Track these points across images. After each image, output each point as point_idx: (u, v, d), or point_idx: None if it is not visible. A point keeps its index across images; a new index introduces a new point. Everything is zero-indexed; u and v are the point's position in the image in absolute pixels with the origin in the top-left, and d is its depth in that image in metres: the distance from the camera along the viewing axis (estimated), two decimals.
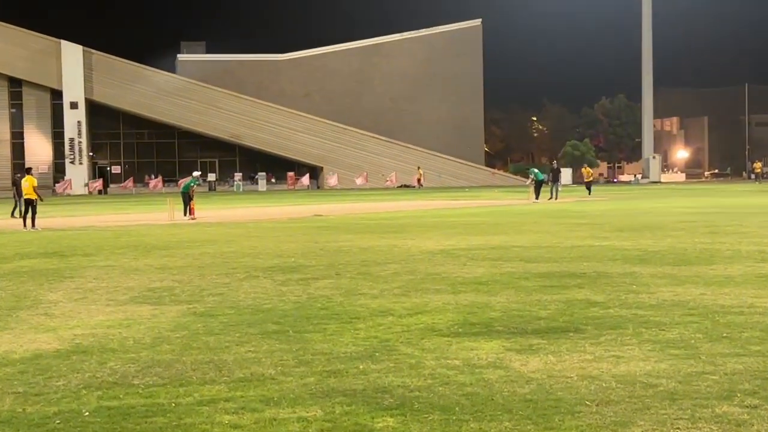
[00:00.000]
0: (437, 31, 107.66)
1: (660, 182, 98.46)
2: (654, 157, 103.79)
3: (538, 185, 46.35)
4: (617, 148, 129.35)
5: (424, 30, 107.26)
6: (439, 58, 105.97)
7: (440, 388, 7.04)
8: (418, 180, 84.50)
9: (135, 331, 9.74)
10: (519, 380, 7.25)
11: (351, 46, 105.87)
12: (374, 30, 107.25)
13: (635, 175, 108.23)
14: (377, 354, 8.33)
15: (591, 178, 48.77)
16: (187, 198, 32.96)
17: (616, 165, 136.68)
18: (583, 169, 50.88)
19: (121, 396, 6.99)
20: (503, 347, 8.54)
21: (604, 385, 7.07)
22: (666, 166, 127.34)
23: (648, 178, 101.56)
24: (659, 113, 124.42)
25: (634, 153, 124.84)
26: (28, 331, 9.86)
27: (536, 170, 47.97)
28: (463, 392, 6.92)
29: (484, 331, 9.41)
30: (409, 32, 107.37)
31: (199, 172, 41.53)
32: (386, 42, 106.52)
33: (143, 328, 9.92)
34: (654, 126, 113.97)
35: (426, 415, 6.31)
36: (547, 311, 10.52)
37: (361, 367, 7.81)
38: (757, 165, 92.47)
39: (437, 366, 7.80)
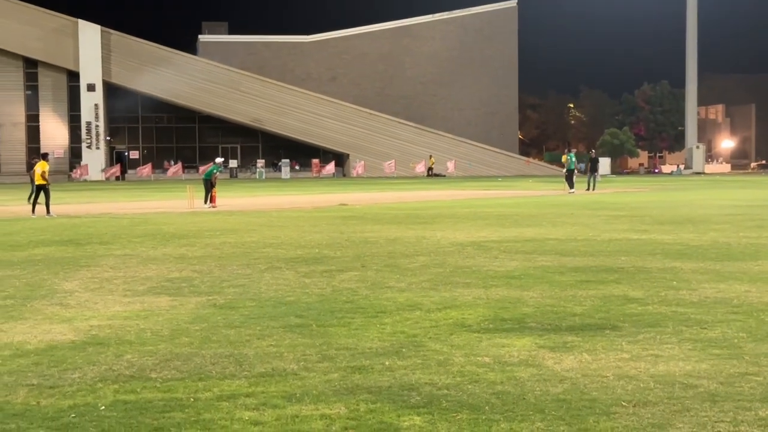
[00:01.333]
0: (471, 12, 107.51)
1: (703, 173, 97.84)
2: (697, 147, 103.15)
3: (570, 174, 45.45)
4: (659, 137, 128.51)
5: (457, 11, 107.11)
6: (473, 41, 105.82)
7: (469, 386, 7.06)
8: (430, 168, 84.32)
9: (153, 323, 9.82)
10: (552, 379, 7.25)
11: (380, 28, 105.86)
12: (405, 11, 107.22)
13: (677, 166, 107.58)
14: (404, 350, 8.35)
15: (574, 168, 46.26)
16: (209, 185, 33.12)
17: (658, 155, 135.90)
18: (564, 158, 48.80)
19: (138, 390, 7.06)
20: (536, 344, 8.54)
21: (641, 385, 7.06)
22: (710, 157, 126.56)
23: (691, 168, 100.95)
24: (704, 100, 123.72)
25: (676, 142, 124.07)
26: (42, 322, 9.97)
27: (572, 155, 46.56)
28: (493, 391, 6.93)
29: (515, 327, 9.41)
30: (441, 13, 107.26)
31: (222, 159, 41.63)
32: (417, 23, 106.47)
33: (161, 320, 10.00)
34: (698, 114, 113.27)
35: (454, 414, 6.33)
36: (583, 307, 10.50)
37: (387, 363, 7.84)
38: None
39: (466, 363, 7.82)
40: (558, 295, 11.38)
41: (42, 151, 57.38)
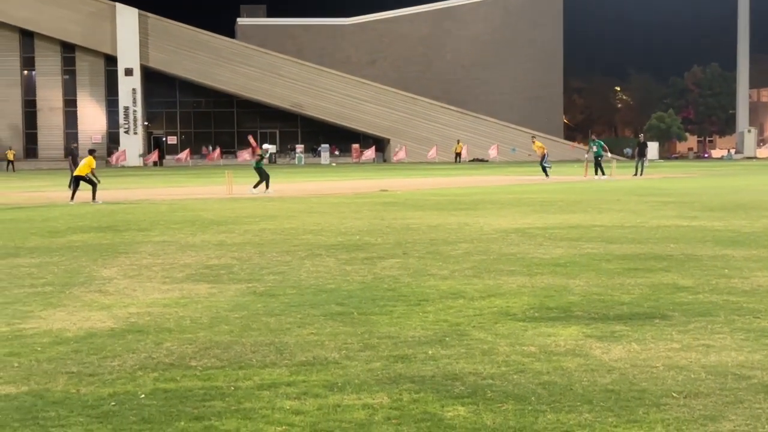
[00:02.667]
0: None
1: (756, 158, 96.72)
2: (749, 131, 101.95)
3: (596, 160, 44.62)
4: (708, 121, 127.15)
5: None
6: (516, 23, 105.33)
7: (515, 376, 7.03)
8: (458, 154, 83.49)
9: (192, 311, 9.88)
10: (600, 369, 7.21)
11: (421, 10, 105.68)
12: None
13: (728, 150, 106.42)
14: (447, 339, 8.34)
15: (543, 152, 44.47)
16: (263, 172, 33.37)
17: (707, 139, 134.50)
18: (533, 144, 46.93)
19: (178, 378, 7.11)
20: (583, 334, 8.49)
21: (692, 376, 6.99)
22: (762, 141, 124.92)
23: (742, 153, 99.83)
24: (756, 83, 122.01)
25: (727, 126, 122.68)
26: (81, 309, 10.07)
27: (600, 141, 46.08)
28: (539, 381, 6.90)
29: (562, 316, 9.36)
30: None
31: (271, 146, 41.44)
32: (459, 5, 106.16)
33: (201, 308, 10.06)
34: (750, 97, 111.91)
35: (499, 405, 6.30)
36: (631, 296, 10.43)
37: (430, 352, 7.83)
38: None
39: (511, 352, 7.79)
40: (605, 283, 11.30)
41: (81, 137, 58.09)
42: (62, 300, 10.65)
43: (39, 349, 8.13)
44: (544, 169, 44.65)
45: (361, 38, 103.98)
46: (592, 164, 44.80)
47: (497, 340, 8.26)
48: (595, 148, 45.09)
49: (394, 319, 9.30)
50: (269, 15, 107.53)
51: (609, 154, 48.80)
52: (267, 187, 33.14)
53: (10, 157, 75.97)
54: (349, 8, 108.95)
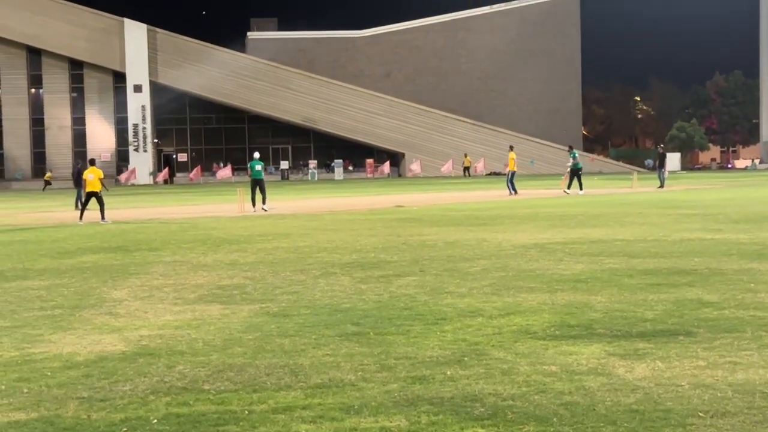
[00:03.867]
0: (530, 3, 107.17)
1: None
2: None
3: (577, 173, 43.10)
4: (732, 131, 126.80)
5: (515, 2, 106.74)
6: (533, 33, 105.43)
7: (536, 397, 7.01)
8: (466, 168, 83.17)
9: (205, 333, 9.89)
10: (623, 388, 7.18)
11: (435, 21, 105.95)
12: (460, 2, 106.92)
13: (752, 160, 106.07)
14: (466, 358, 8.32)
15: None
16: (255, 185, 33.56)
17: (731, 149, 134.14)
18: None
19: (191, 402, 7.11)
20: (605, 352, 8.46)
21: (719, 394, 6.95)
22: None
23: (766, 163, 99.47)
24: None
25: (751, 136, 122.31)
26: (92, 332, 10.09)
27: (575, 153, 44.78)
28: (561, 401, 6.87)
29: (583, 333, 9.33)
30: (498, 5, 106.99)
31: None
32: (474, 16, 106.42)
33: (213, 329, 10.07)
34: None
35: (520, 426, 6.29)
36: (654, 312, 10.39)
37: (448, 372, 7.82)
38: None
39: (532, 372, 7.77)
40: (627, 300, 11.26)
41: (89, 156, 58.33)
42: (72, 323, 10.68)
43: (49, 374, 8.15)
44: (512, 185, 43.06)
45: (374, 51, 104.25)
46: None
47: (517, 360, 8.24)
48: (573, 160, 43.91)
49: (411, 338, 9.29)
50: (280, 29, 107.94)
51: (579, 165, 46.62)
52: (253, 205, 33.26)
53: (48, 177, 77.69)
54: (362, 20, 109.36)
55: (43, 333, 10.10)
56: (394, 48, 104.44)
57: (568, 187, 43.16)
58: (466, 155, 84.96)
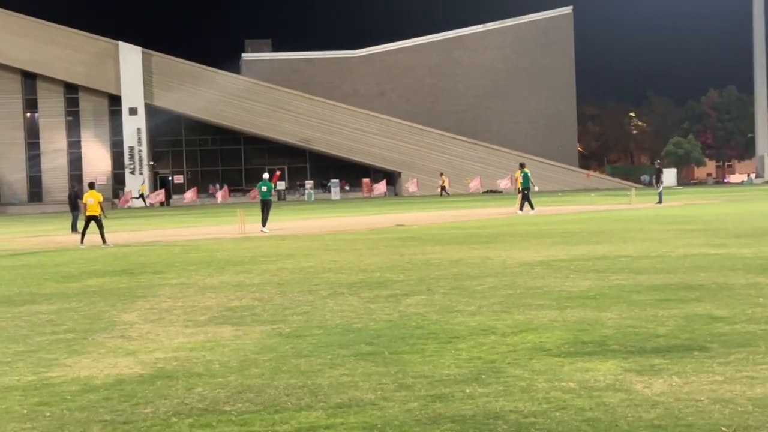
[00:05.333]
0: (524, 21, 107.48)
1: None
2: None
3: (524, 193, 41.62)
4: (727, 146, 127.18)
5: (509, 20, 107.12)
6: (527, 51, 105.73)
7: (557, 414, 7.06)
8: (443, 188, 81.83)
9: (220, 354, 9.94)
10: (643, 404, 7.24)
11: (429, 40, 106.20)
12: (455, 21, 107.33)
13: (748, 175, 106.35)
14: (483, 376, 8.38)
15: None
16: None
17: (726, 164, 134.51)
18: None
19: (214, 423, 7.16)
20: (621, 368, 8.52)
21: (739, 409, 7.01)
22: None
23: (762, 177, 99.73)
24: None
25: (746, 150, 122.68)
26: (107, 355, 10.13)
27: (527, 172, 41.89)
28: (582, 418, 6.93)
29: (598, 350, 9.39)
30: (493, 23, 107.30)
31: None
32: (468, 34, 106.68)
33: (228, 351, 10.12)
34: None
35: None
36: (666, 327, 10.45)
37: (467, 390, 7.87)
38: None
39: (551, 389, 7.82)
40: (638, 316, 11.33)
41: (86, 180, 58.34)
42: (86, 347, 10.72)
43: (69, 397, 8.19)
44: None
45: (369, 70, 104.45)
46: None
47: (534, 377, 8.29)
48: (521, 180, 41.72)
49: (426, 357, 9.34)
50: (275, 50, 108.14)
51: (536, 187, 44.93)
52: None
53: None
54: (356, 40, 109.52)
55: (58, 357, 10.13)
56: (388, 67, 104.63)
57: (521, 208, 41.71)
58: (441, 174, 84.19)
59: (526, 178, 41.89)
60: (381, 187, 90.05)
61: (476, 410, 7.25)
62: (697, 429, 6.53)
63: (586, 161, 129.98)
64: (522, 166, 43.04)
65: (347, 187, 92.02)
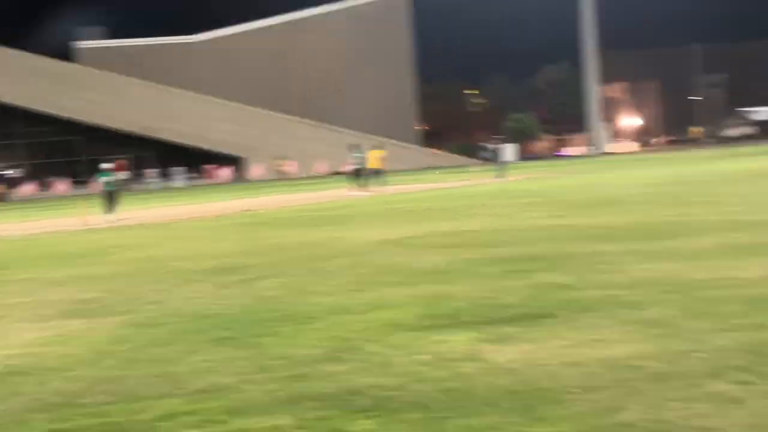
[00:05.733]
0: (359, 3, 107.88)
1: (613, 153, 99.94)
2: (601, 127, 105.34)
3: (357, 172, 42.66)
4: (563, 120, 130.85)
5: (349, 1, 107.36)
6: (365, 32, 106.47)
7: (416, 386, 7.20)
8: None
9: (73, 348, 9.73)
10: (498, 372, 7.44)
11: (271, 23, 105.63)
12: (299, 3, 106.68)
13: (588, 147, 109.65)
14: (342, 354, 8.45)
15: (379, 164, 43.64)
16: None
17: (564, 137, 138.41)
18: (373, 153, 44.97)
19: (71, 417, 7.02)
20: (475, 338, 8.73)
21: (588, 370, 7.29)
22: (617, 135, 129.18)
23: (597, 149, 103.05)
24: (608, 78, 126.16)
25: (582, 123, 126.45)
26: None
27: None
28: (440, 388, 7.08)
29: (451, 322, 9.58)
30: (329, 5, 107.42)
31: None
32: (306, 17, 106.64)
33: (81, 344, 9.92)
34: (602, 93, 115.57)
35: (405, 414, 6.47)
36: (516, 297, 10.74)
37: (327, 369, 7.93)
38: (697, 130, 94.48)
39: (408, 363, 7.96)
40: (488, 287, 11.60)
41: None
42: None
43: None
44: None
45: (210, 56, 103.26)
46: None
47: (392, 352, 8.42)
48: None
49: (284, 339, 9.37)
50: (111, 37, 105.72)
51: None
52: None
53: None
54: (195, 26, 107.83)
55: None
56: (230, 52, 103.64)
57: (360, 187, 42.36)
58: (283, 158, 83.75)
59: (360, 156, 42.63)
60: (227, 172, 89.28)
61: (337, 388, 7.32)
62: (550, 392, 6.77)
63: (433, 139, 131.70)
64: (355, 146, 43.68)
65: (194, 174, 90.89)
